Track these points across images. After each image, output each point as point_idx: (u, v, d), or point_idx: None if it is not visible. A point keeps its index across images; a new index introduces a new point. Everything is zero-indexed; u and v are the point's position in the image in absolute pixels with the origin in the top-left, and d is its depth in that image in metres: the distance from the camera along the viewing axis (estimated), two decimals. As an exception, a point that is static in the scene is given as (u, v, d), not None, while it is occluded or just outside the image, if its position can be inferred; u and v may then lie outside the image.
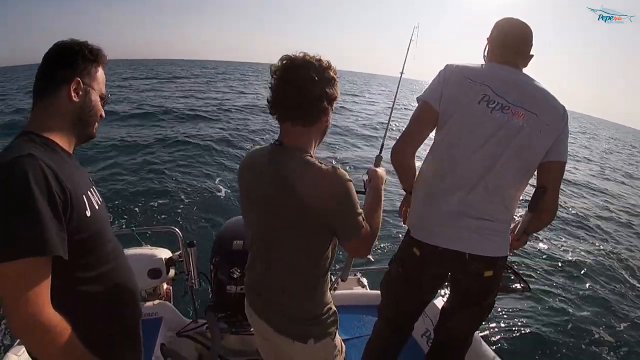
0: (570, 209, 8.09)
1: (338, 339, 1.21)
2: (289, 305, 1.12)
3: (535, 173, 1.33)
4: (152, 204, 6.46)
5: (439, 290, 1.60)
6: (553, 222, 1.42)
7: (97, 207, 0.90)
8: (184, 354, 1.96)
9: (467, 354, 1.59)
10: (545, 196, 1.29)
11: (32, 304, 0.73)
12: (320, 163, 1.00)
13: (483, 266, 1.31)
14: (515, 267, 1.69)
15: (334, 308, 1.18)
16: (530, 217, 1.37)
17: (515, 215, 1.40)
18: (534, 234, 1.50)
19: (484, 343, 1.86)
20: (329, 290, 1.18)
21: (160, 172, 8.27)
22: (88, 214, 0.85)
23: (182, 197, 6.78)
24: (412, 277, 1.46)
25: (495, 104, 1.26)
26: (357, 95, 32.88)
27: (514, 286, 1.59)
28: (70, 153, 0.92)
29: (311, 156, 1.04)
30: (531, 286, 1.67)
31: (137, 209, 6.25)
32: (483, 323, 3.51)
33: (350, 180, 1.00)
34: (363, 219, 1.04)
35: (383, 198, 1.23)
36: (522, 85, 1.29)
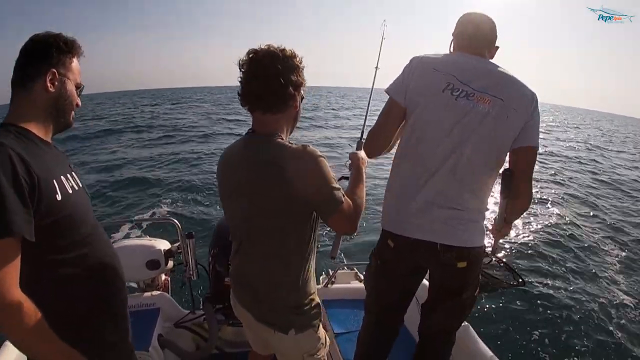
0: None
1: (322, 332, 1.22)
2: (273, 293, 1.13)
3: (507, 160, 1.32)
4: (152, 195, 6.48)
5: (421, 283, 1.57)
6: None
7: (71, 191, 0.92)
8: (181, 345, 1.96)
9: (464, 351, 1.57)
10: (513, 178, 1.28)
11: None
12: (291, 143, 1.05)
13: (456, 257, 1.30)
14: (506, 261, 1.68)
15: (317, 300, 1.19)
16: (505, 203, 1.36)
17: (489, 207, 1.39)
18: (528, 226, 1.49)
19: (480, 340, 1.84)
20: (313, 281, 1.18)
21: (162, 164, 8.26)
22: (59, 197, 0.87)
23: (183, 189, 6.79)
24: (389, 270, 1.47)
25: (460, 92, 1.26)
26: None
27: (508, 282, 1.58)
28: (47, 141, 0.95)
29: (282, 139, 1.07)
30: (526, 279, 1.65)
31: (137, 199, 6.26)
32: (479, 320, 3.58)
33: (322, 156, 1.03)
34: (343, 195, 1.06)
35: (365, 177, 1.26)
36: (487, 72, 1.30)
